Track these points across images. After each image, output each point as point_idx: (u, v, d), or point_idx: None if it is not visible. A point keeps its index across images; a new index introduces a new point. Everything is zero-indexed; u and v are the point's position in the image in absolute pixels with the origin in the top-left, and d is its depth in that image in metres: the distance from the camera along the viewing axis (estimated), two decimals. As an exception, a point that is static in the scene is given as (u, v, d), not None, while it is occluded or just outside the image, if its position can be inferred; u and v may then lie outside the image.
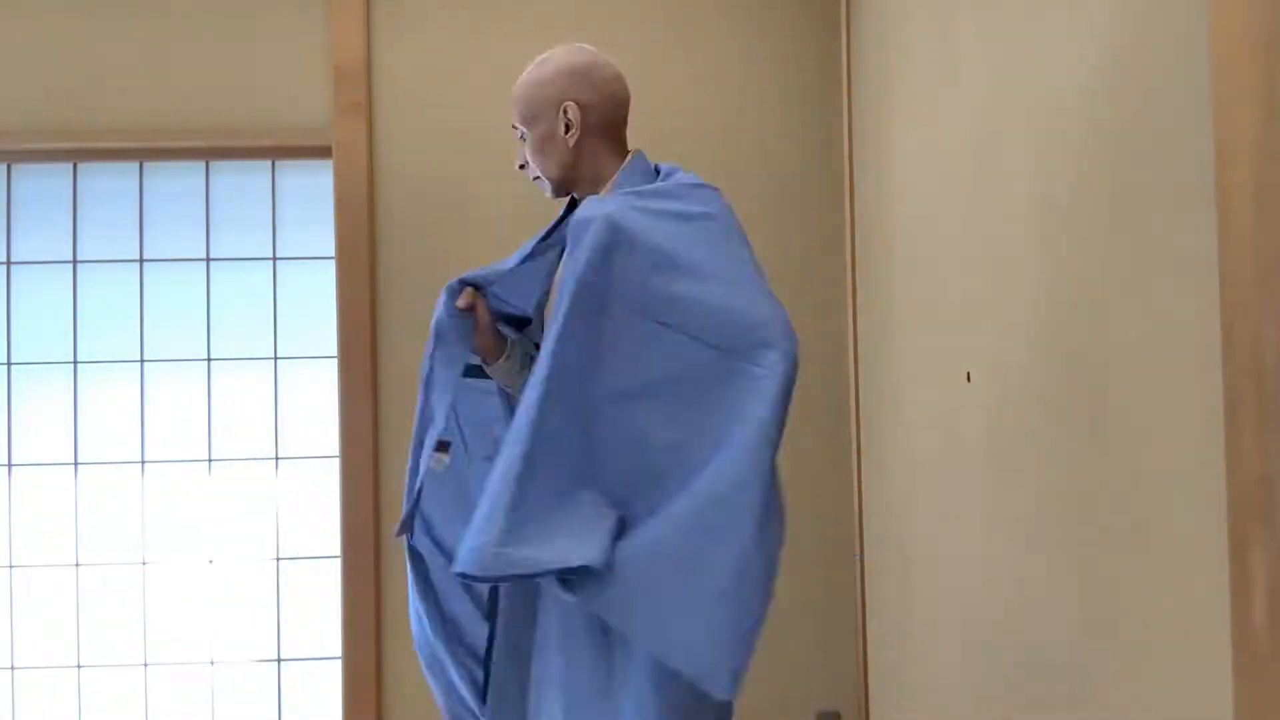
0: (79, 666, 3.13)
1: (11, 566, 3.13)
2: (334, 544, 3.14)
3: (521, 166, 1.94)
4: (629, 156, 1.90)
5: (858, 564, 3.10)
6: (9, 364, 3.15)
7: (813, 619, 3.14)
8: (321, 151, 3.15)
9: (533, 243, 1.93)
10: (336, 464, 3.12)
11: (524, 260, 1.92)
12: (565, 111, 1.83)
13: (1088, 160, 1.67)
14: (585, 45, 1.93)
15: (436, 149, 3.16)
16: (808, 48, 3.23)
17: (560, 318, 1.62)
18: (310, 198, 3.21)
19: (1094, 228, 1.65)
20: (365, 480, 3.09)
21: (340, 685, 3.08)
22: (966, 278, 2.21)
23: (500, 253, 3.11)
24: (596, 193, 1.87)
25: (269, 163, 3.21)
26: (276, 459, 3.19)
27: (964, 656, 2.28)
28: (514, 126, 1.91)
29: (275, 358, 3.21)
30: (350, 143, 3.11)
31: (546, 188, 1.94)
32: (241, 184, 3.21)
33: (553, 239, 1.92)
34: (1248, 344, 1.20)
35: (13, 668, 3.12)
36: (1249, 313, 1.20)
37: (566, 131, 1.84)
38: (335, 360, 3.13)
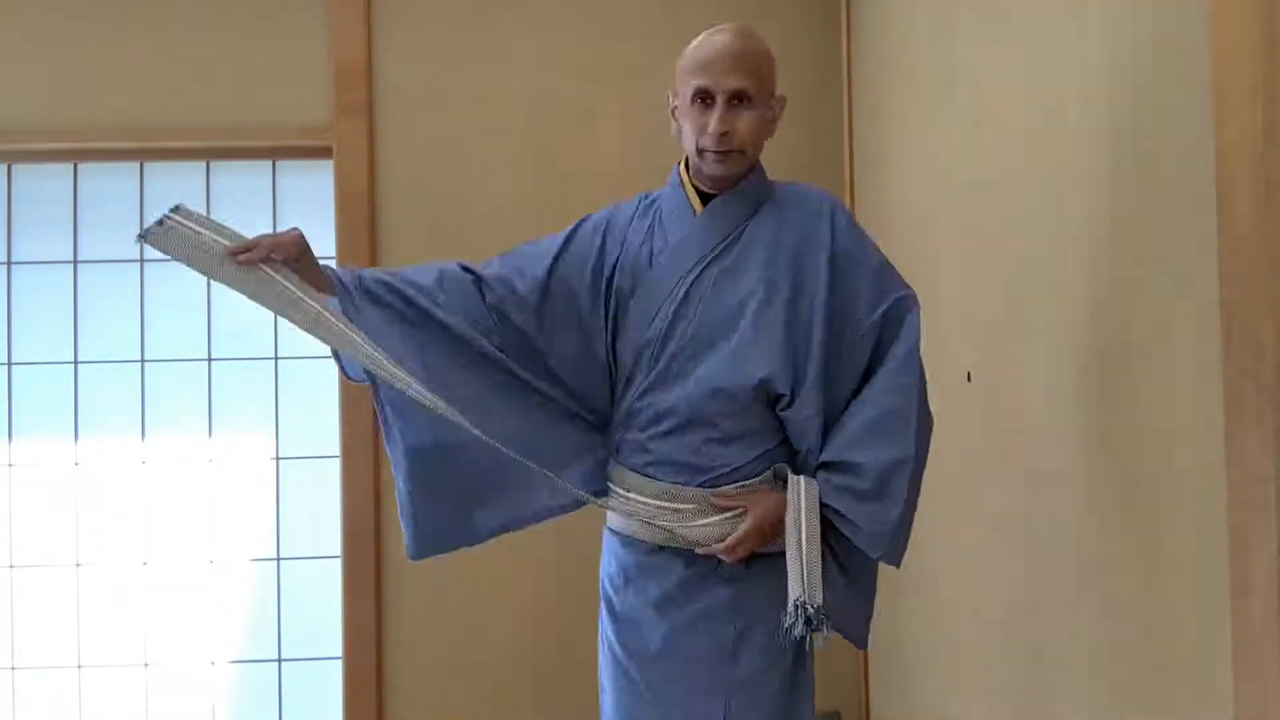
0: (79, 666, 3.13)
1: (12, 566, 3.13)
2: (334, 544, 3.14)
3: (724, 134, 1.71)
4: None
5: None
6: (9, 364, 3.15)
7: (813, 619, 3.14)
8: (322, 151, 3.15)
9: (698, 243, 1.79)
10: (336, 464, 3.12)
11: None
12: (779, 103, 1.80)
13: (1088, 160, 1.67)
14: None
15: (436, 149, 3.16)
16: (808, 47, 3.23)
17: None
18: (310, 198, 3.20)
19: (1094, 227, 1.65)
20: (365, 480, 3.08)
21: (340, 685, 3.09)
22: (966, 278, 2.21)
23: (498, 251, 3.13)
24: (742, 181, 1.80)
25: (269, 163, 3.21)
26: (277, 459, 3.19)
27: (964, 656, 2.28)
28: (738, 92, 1.70)
29: (275, 358, 3.20)
30: (350, 143, 3.11)
31: (730, 168, 1.76)
32: (242, 184, 3.21)
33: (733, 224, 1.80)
34: (1248, 344, 1.20)
35: (13, 668, 3.12)
36: (1249, 313, 1.20)
37: (773, 123, 1.80)
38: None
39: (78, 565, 3.14)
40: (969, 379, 2.18)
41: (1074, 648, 1.74)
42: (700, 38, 1.76)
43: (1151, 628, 1.50)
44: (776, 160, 3.17)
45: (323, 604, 3.15)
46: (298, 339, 3.20)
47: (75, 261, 3.17)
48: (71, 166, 3.17)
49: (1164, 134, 1.44)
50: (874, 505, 1.69)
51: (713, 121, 1.71)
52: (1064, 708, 1.78)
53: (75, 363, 3.16)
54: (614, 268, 1.83)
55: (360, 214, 3.10)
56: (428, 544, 1.82)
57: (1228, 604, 1.25)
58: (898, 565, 1.75)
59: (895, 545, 1.71)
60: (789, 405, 1.74)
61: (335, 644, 3.12)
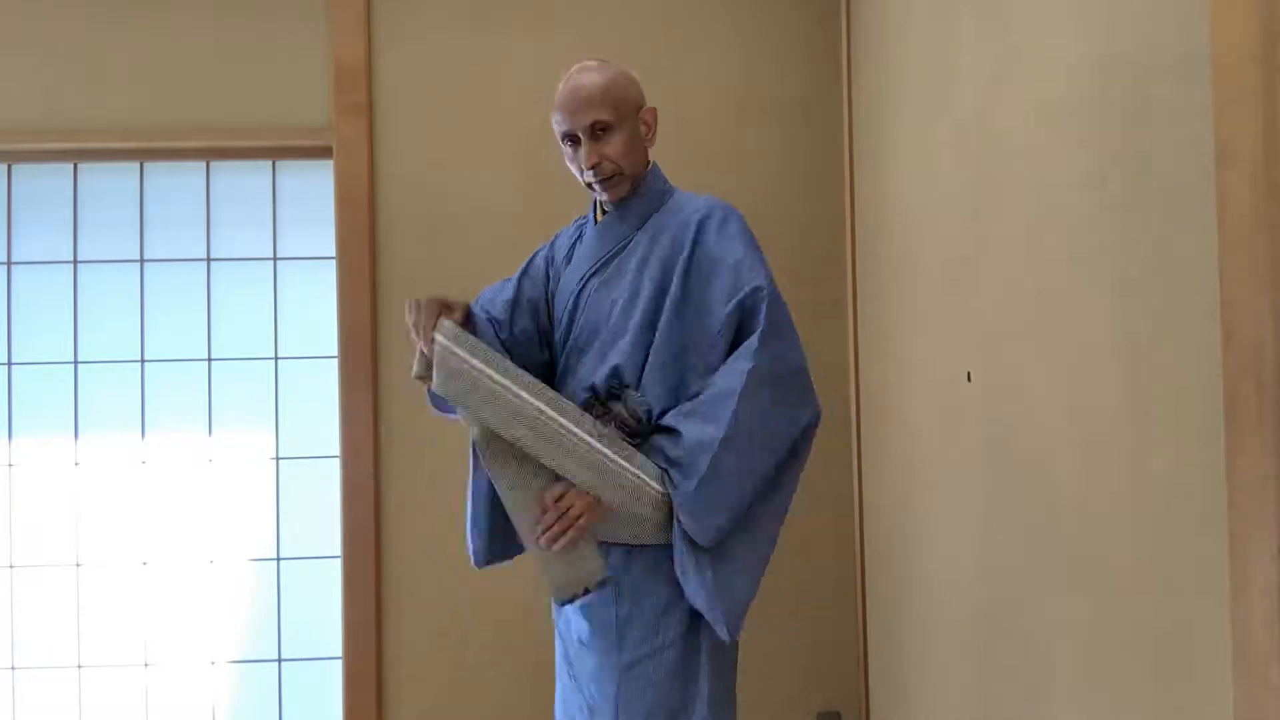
0: (79, 666, 3.13)
1: (12, 566, 3.13)
2: (334, 544, 3.14)
3: (594, 166, 1.92)
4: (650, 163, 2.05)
5: (859, 560, 3.10)
6: (9, 364, 3.15)
7: (813, 619, 3.14)
8: (321, 151, 3.15)
9: (589, 256, 2.00)
10: (336, 464, 3.12)
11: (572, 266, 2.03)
12: (648, 115, 1.98)
13: (1087, 160, 1.67)
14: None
15: (436, 149, 3.16)
16: (808, 47, 3.23)
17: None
18: (310, 198, 3.21)
19: (1094, 227, 1.65)
20: (365, 480, 3.09)
21: (340, 685, 3.09)
22: (966, 278, 2.21)
23: (498, 251, 3.14)
24: (631, 197, 1.99)
25: (269, 163, 3.21)
26: (277, 459, 3.19)
27: (963, 656, 2.28)
28: (595, 124, 1.90)
29: (275, 358, 3.21)
30: (350, 143, 3.11)
31: (616, 190, 1.96)
32: (241, 184, 3.21)
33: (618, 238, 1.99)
34: (1248, 344, 1.20)
35: (13, 668, 3.12)
36: (1249, 313, 1.20)
37: (648, 134, 1.99)
38: (335, 360, 3.13)
39: (78, 565, 3.14)
40: (969, 379, 2.18)
41: (1073, 647, 1.74)
42: (560, 84, 1.96)
43: (1151, 628, 1.50)
44: (777, 160, 3.20)
45: (323, 604, 3.15)
46: (297, 339, 3.21)
47: (75, 261, 3.17)
48: (71, 166, 3.17)
49: (1164, 134, 1.44)
50: (677, 472, 1.80)
51: (582, 157, 1.92)
52: (1063, 708, 1.78)
53: (75, 363, 3.16)
54: (552, 281, 2.07)
55: (360, 214, 3.10)
56: (497, 553, 1.98)
57: (1228, 604, 1.25)
58: (703, 544, 1.78)
59: (696, 520, 1.78)
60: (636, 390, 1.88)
61: (335, 644, 3.12)
